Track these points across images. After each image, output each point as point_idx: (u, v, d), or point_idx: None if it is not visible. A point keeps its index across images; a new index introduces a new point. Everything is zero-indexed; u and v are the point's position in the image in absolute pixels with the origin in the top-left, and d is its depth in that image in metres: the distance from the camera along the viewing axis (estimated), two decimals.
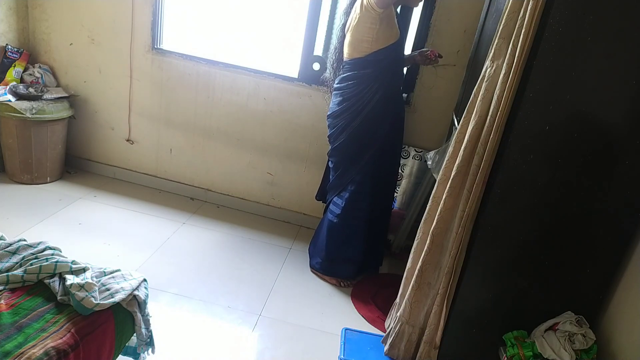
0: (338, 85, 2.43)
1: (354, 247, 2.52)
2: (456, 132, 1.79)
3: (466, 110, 1.74)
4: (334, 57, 2.48)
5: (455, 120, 2.29)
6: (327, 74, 2.57)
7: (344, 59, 2.41)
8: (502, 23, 1.61)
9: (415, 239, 1.96)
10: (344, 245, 2.53)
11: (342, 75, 2.42)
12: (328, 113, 2.50)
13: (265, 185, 3.19)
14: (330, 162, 2.56)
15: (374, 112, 2.34)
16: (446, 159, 1.82)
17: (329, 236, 2.55)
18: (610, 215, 1.62)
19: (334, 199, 2.52)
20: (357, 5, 2.27)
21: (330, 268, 2.59)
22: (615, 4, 1.42)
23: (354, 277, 2.61)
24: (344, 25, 2.38)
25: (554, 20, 1.45)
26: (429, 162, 2.29)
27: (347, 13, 2.36)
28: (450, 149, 1.80)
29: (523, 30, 1.52)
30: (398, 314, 2.02)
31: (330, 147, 2.52)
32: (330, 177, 2.58)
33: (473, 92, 1.72)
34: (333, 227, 2.52)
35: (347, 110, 2.38)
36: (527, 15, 1.50)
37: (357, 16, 2.26)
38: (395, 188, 2.77)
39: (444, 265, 1.83)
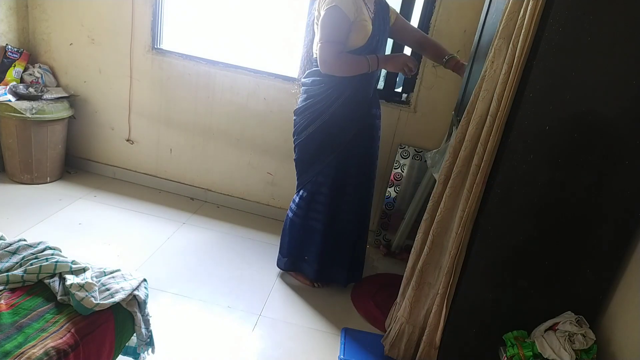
0: (304, 80, 2.29)
1: (310, 248, 2.43)
2: (456, 132, 1.79)
3: (466, 110, 1.74)
4: (304, 55, 2.36)
5: (455, 120, 2.29)
6: (299, 71, 2.44)
7: (313, 56, 2.26)
8: (502, 23, 1.60)
9: (415, 239, 1.96)
10: (302, 245, 2.44)
11: (309, 70, 2.28)
12: (294, 109, 2.36)
13: (265, 185, 3.19)
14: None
15: (336, 116, 2.20)
16: (446, 159, 1.82)
17: (289, 233, 2.46)
18: (610, 215, 1.62)
19: (295, 197, 2.44)
20: (316, 6, 2.14)
21: (293, 266, 2.52)
22: (615, 4, 1.42)
23: (316, 278, 2.51)
24: (313, 22, 2.22)
25: (554, 20, 1.45)
26: (429, 162, 2.29)
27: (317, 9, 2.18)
28: (450, 149, 1.80)
29: (523, 30, 1.51)
30: (398, 314, 2.02)
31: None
32: None
33: (473, 92, 1.72)
34: (291, 224, 2.43)
35: (309, 109, 2.25)
36: (527, 15, 1.50)
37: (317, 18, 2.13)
38: (371, 201, 2.53)
39: (444, 265, 1.83)
